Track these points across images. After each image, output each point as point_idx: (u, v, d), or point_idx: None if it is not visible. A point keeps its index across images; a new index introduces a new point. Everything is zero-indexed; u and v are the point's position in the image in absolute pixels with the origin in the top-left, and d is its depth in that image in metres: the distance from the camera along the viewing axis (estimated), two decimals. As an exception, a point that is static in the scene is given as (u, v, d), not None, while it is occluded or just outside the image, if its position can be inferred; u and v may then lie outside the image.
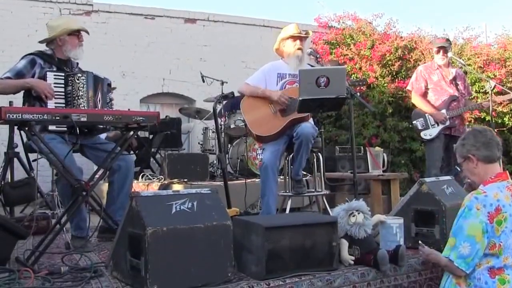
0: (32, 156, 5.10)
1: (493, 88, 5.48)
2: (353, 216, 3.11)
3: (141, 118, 3.43)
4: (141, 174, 6.53)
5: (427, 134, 5.40)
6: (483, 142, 2.83)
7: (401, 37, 9.15)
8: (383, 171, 6.64)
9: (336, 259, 2.95)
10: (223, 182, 4.58)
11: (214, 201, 2.79)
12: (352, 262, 3.02)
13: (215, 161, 6.95)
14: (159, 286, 2.46)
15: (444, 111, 5.37)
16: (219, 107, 6.62)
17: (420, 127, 5.44)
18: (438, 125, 5.37)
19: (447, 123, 5.35)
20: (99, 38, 8.67)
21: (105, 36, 8.89)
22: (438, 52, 5.56)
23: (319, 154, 4.52)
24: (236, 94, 4.62)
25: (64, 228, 3.41)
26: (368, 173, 6.49)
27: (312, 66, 4.49)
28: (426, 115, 5.42)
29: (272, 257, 2.74)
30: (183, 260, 2.55)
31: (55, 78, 3.71)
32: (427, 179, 3.65)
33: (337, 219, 3.06)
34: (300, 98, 3.90)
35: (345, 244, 3.06)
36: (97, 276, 2.77)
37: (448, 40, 5.75)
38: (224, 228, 2.68)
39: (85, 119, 3.22)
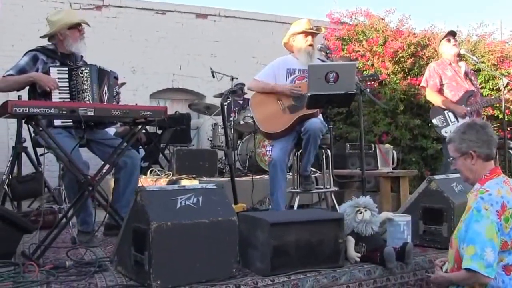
0: (40, 150, 5.14)
1: (506, 86, 5.34)
2: (360, 213, 3.09)
3: (148, 112, 3.42)
4: (150, 170, 6.52)
5: (448, 132, 5.14)
6: (485, 140, 2.74)
7: (414, 34, 9.05)
8: (393, 169, 6.57)
9: (342, 256, 2.93)
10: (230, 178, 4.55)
11: (220, 197, 2.79)
12: (358, 259, 3.00)
13: (223, 157, 6.93)
14: (163, 281, 2.45)
15: (463, 106, 5.24)
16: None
17: (440, 125, 5.23)
18: (458, 121, 5.21)
19: (468, 118, 5.18)
20: (109, 33, 8.67)
21: (115, 31, 8.88)
22: (449, 40, 5.37)
23: (328, 150, 4.48)
24: (245, 89, 4.59)
25: (70, 223, 3.41)
26: (377, 170, 6.44)
27: (323, 61, 4.44)
28: (445, 112, 5.23)
29: (277, 253, 2.73)
30: (187, 255, 2.54)
31: (58, 73, 3.67)
32: (436, 176, 3.61)
33: (344, 216, 3.03)
34: (309, 94, 3.86)
35: (351, 241, 3.04)
36: (101, 271, 2.78)
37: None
38: (230, 223, 2.67)
39: (92, 114, 3.21)
